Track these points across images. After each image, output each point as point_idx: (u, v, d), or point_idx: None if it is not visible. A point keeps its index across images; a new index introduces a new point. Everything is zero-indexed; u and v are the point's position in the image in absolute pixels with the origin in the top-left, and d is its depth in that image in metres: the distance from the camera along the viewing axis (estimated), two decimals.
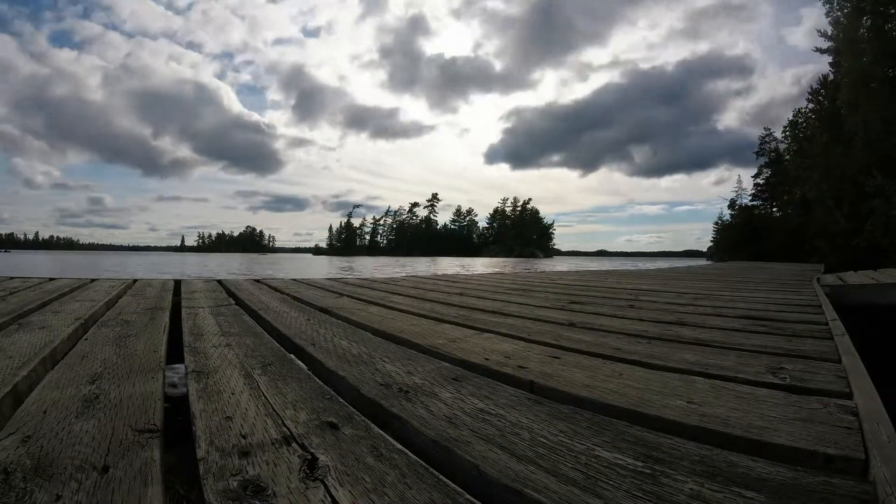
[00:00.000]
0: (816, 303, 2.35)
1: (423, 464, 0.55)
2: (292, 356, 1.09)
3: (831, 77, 17.60)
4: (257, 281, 3.47)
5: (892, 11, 12.70)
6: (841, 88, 15.00)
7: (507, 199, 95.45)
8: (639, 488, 0.49)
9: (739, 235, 31.39)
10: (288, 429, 0.63)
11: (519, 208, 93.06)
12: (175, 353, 1.16)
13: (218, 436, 0.61)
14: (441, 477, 0.51)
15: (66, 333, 1.24)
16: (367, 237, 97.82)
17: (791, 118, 24.15)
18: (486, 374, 0.94)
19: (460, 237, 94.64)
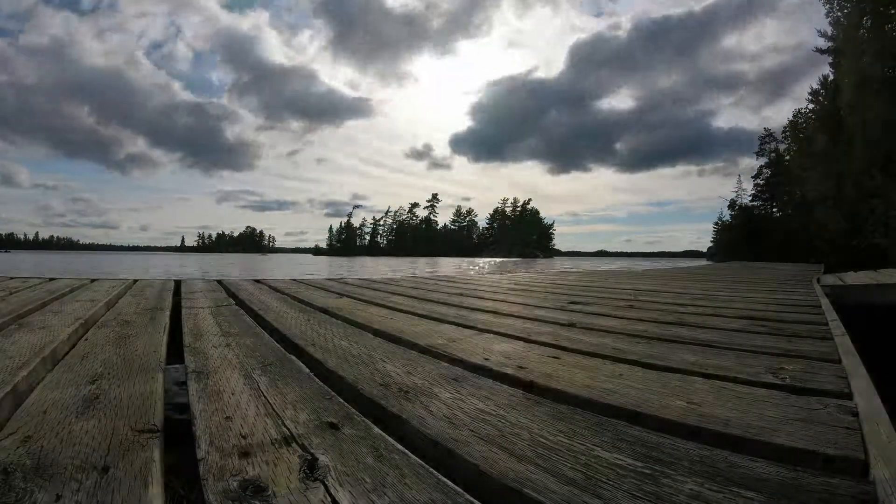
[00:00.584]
0: (816, 303, 2.35)
1: (423, 464, 0.55)
2: (292, 356, 1.09)
3: (831, 77, 17.60)
4: (257, 281, 3.47)
5: (892, 11, 12.70)
6: (841, 89, 15.00)
7: (507, 200, 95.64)
8: (639, 488, 0.49)
9: (739, 235, 31.39)
10: (288, 429, 0.63)
11: (519, 209, 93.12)
12: (175, 353, 1.16)
13: (218, 436, 0.61)
14: (441, 477, 0.51)
15: (67, 333, 1.24)
16: (367, 238, 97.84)
17: (791, 118, 24.16)
18: (485, 375, 0.94)
19: (460, 238, 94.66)
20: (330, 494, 0.47)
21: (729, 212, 35.62)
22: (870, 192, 12.87)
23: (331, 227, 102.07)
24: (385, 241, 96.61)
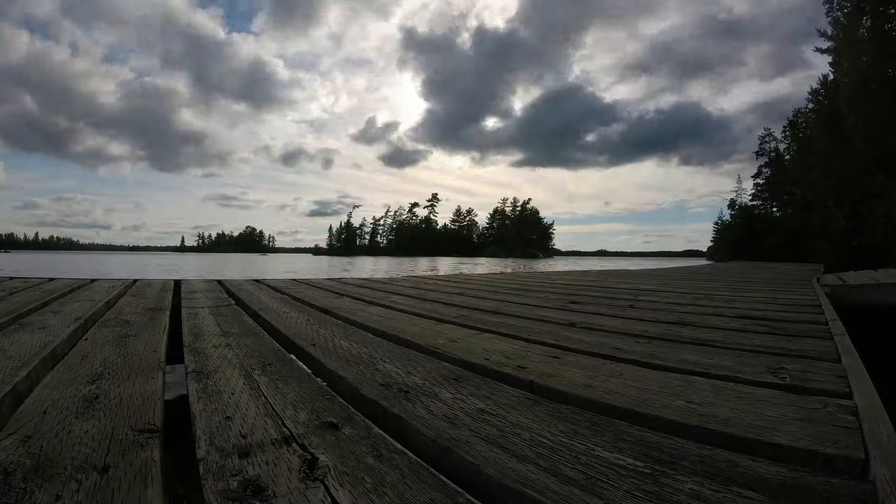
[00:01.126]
0: (816, 303, 2.35)
1: (424, 464, 0.55)
2: (292, 356, 1.09)
3: (831, 77, 17.60)
4: (257, 281, 3.47)
5: (892, 11, 12.70)
6: (841, 88, 15.00)
7: (507, 199, 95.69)
8: (639, 488, 0.49)
9: (739, 235, 31.40)
10: (288, 429, 0.63)
11: (519, 208, 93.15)
12: (175, 353, 1.16)
13: (218, 436, 0.61)
14: (441, 477, 0.51)
15: (67, 333, 1.24)
16: (367, 237, 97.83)
17: (791, 118, 24.15)
18: (486, 374, 0.94)
19: (460, 237, 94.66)
20: (330, 494, 0.47)
21: (729, 211, 35.68)
22: (870, 192, 12.86)
23: (330, 227, 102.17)
24: (385, 241, 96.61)
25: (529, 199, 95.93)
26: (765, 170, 33.05)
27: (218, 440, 0.59)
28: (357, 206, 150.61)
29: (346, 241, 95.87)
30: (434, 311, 1.90)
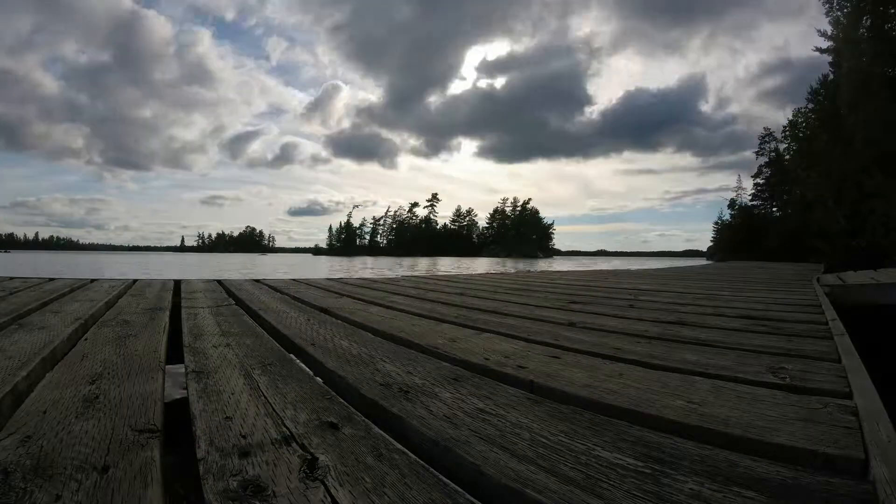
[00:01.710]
0: (816, 303, 2.35)
1: (424, 464, 0.55)
2: (292, 356, 1.09)
3: (831, 77, 17.58)
4: (257, 281, 3.47)
5: (892, 11, 12.69)
6: (841, 88, 14.99)
7: (507, 199, 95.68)
8: (639, 488, 0.49)
9: (739, 235, 31.41)
10: (288, 429, 0.63)
11: (519, 208, 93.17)
12: (175, 353, 1.16)
13: (218, 436, 0.61)
14: (441, 477, 0.51)
15: (66, 333, 1.24)
16: (367, 237, 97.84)
17: (791, 118, 24.14)
18: (485, 374, 0.94)
19: (460, 237, 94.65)
20: (330, 494, 0.47)
21: (729, 211, 35.69)
22: (870, 191, 12.86)
23: (330, 227, 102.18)
24: (385, 241, 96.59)
25: (529, 199, 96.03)
26: (765, 170, 33.09)
27: (218, 440, 0.59)
28: (357, 206, 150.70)
29: (347, 241, 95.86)
30: (434, 311, 1.90)
